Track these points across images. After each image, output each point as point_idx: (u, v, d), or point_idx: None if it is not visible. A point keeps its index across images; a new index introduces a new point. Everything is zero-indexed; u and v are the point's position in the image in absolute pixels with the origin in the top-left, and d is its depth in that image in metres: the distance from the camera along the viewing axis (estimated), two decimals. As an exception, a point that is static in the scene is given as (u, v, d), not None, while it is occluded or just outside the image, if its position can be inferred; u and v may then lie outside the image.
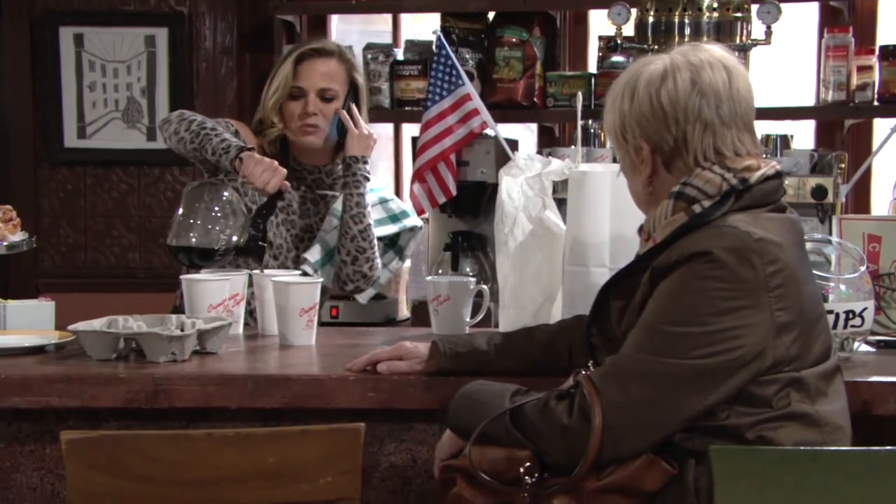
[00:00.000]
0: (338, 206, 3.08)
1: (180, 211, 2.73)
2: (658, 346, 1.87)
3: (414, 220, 3.24)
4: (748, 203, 1.95)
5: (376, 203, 3.16)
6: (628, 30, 3.54)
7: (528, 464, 1.91)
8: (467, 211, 3.77)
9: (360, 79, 3.12)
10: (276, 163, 2.82)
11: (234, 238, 2.70)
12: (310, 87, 3.04)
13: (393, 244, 3.22)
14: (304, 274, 3.00)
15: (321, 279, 2.60)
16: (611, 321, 2.03)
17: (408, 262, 3.94)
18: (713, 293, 1.85)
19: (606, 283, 2.09)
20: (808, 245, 2.43)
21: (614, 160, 2.14)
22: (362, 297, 3.19)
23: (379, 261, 3.10)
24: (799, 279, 1.92)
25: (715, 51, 2.01)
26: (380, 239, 3.14)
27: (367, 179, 3.06)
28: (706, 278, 1.86)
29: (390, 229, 3.18)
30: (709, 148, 1.96)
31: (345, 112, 3.04)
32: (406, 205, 3.31)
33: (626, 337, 1.93)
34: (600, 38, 4.26)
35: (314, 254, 3.04)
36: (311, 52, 3.06)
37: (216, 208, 2.72)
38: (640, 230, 2.07)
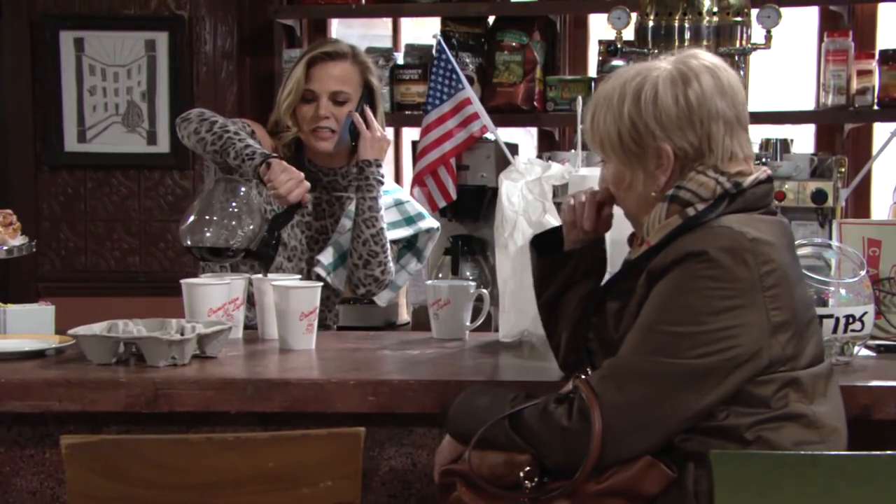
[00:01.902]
0: (352, 207, 3.07)
1: (196, 203, 2.73)
2: (655, 346, 1.87)
3: (430, 222, 3.22)
4: (741, 206, 1.96)
5: (391, 205, 3.14)
6: (628, 34, 3.55)
7: (527, 468, 1.91)
8: (467, 215, 3.77)
9: (375, 81, 3.10)
10: (302, 175, 2.82)
11: (250, 230, 2.69)
12: (322, 90, 3.02)
13: (411, 246, 3.21)
14: (318, 276, 2.99)
15: (321, 284, 2.60)
16: (607, 325, 2.03)
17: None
18: (709, 293, 1.86)
19: (601, 288, 2.09)
20: (808, 249, 2.44)
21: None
22: (381, 300, 3.17)
23: (392, 265, 3.08)
24: (791, 280, 1.93)
25: (710, 55, 2.03)
26: (396, 241, 3.13)
27: (381, 183, 3.04)
28: (702, 278, 1.86)
29: (405, 232, 3.17)
30: (727, 149, 1.97)
31: (357, 115, 3.03)
32: (421, 207, 3.29)
33: (624, 340, 1.93)
34: (600, 42, 4.27)
35: (327, 256, 3.03)
36: (323, 55, 3.05)
37: (233, 204, 2.72)
38: (631, 238, 2.07)
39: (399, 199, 3.19)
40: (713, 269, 1.86)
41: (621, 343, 1.93)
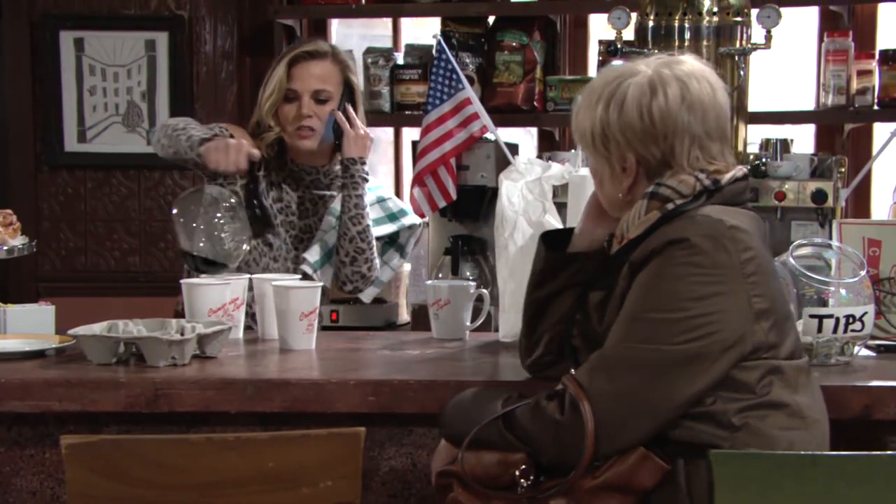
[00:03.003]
0: (336, 205, 3.08)
1: (182, 221, 2.74)
2: (642, 334, 1.88)
3: (413, 219, 3.24)
4: (719, 202, 1.99)
5: (374, 202, 3.16)
6: (628, 34, 3.55)
7: (523, 466, 1.92)
8: (467, 215, 3.77)
9: (355, 79, 3.12)
10: (233, 140, 2.83)
11: (246, 238, 2.72)
12: (304, 89, 3.03)
13: (393, 242, 3.22)
14: (305, 275, 3.00)
15: (321, 283, 2.60)
16: (591, 320, 2.05)
17: (408, 266, 3.94)
18: (692, 279, 1.88)
19: (583, 284, 2.10)
20: (809, 249, 2.44)
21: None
22: (365, 297, 3.18)
23: (378, 261, 3.10)
24: (770, 271, 1.96)
25: (695, 63, 2.04)
26: (379, 238, 3.14)
27: (366, 180, 3.06)
28: (684, 264, 1.88)
29: (388, 228, 3.18)
30: (693, 162, 2.00)
31: (340, 113, 3.04)
32: (404, 203, 3.31)
33: (608, 333, 1.94)
34: (600, 42, 4.27)
35: (313, 254, 3.05)
36: (304, 55, 3.06)
37: (217, 215, 2.73)
38: (611, 237, 2.08)
39: (381, 196, 3.20)
40: (695, 256, 1.88)
41: (605, 336, 1.95)
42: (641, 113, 1.97)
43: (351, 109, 3.06)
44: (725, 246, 1.89)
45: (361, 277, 3.07)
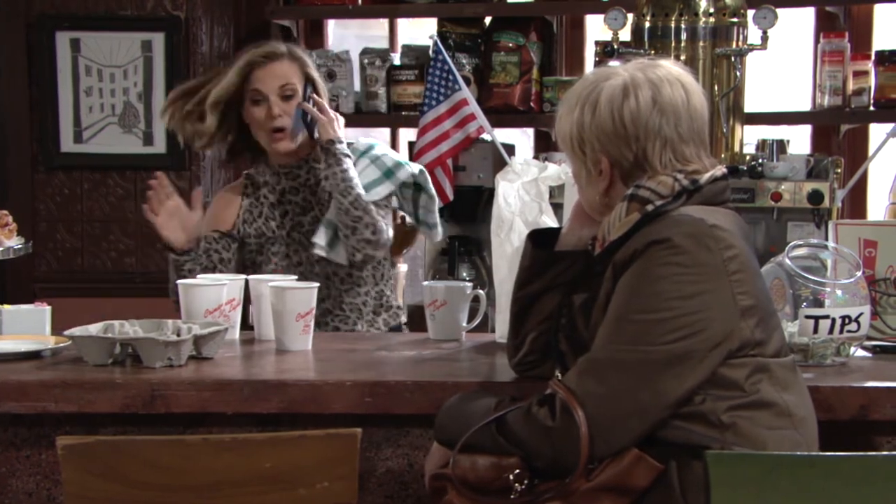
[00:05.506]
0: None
1: None
2: (628, 335, 1.89)
3: (411, 168, 3.18)
4: (699, 202, 2.00)
5: (368, 164, 3.14)
6: (625, 35, 3.56)
7: (517, 470, 1.92)
8: (464, 216, 3.78)
9: (315, 73, 3.14)
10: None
11: None
12: (269, 89, 3.06)
13: (419, 188, 3.19)
14: (319, 257, 3.03)
15: (317, 285, 2.60)
16: (576, 327, 2.05)
17: (404, 267, 3.95)
18: (676, 278, 1.88)
19: (567, 289, 2.11)
20: (805, 250, 2.44)
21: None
22: (435, 238, 3.21)
23: (382, 223, 3.06)
24: (753, 269, 1.96)
25: (672, 67, 2.05)
26: (377, 203, 3.09)
27: (347, 156, 3.06)
28: (668, 264, 1.89)
29: (387, 188, 3.13)
30: (667, 165, 2.01)
31: (306, 104, 3.06)
32: (399, 155, 3.25)
33: (595, 336, 1.95)
34: (597, 42, 4.28)
35: (321, 237, 3.04)
36: (261, 59, 3.09)
37: None
38: (594, 241, 2.09)
39: (374, 156, 3.16)
40: (678, 255, 1.89)
41: (592, 340, 1.95)
42: (613, 116, 2.00)
43: (316, 96, 3.08)
44: (707, 244, 1.90)
45: (367, 243, 3.04)
